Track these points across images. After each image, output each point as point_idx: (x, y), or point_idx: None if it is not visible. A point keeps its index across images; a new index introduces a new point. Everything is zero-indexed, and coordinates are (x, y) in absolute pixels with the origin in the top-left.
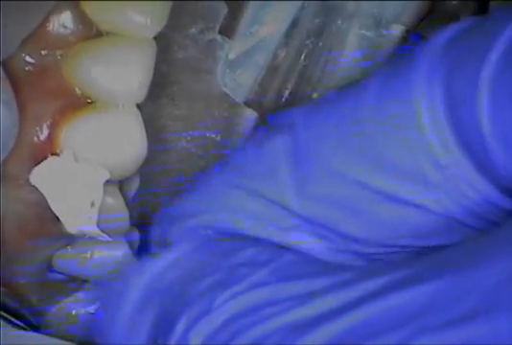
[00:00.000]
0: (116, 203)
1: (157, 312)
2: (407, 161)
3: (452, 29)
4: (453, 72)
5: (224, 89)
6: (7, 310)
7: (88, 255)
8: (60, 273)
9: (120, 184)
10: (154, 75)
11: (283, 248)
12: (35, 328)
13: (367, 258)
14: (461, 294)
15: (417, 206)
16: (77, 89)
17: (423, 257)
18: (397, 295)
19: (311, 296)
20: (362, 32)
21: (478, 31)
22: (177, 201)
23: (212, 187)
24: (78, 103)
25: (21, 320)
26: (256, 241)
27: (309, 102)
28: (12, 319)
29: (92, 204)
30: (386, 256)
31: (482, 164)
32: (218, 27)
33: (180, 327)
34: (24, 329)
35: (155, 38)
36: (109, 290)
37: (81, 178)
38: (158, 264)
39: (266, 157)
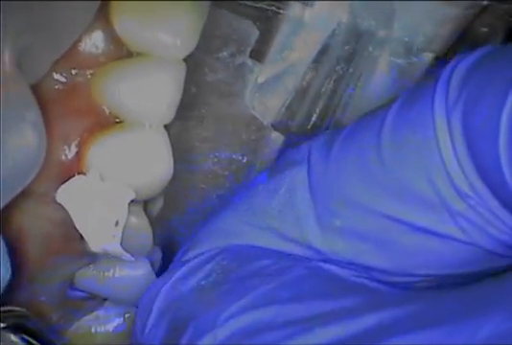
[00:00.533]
0: (140, 223)
1: (171, 319)
2: (430, 190)
3: (473, 56)
4: (473, 104)
5: (253, 112)
6: (26, 331)
7: (110, 274)
8: (81, 291)
9: (144, 204)
10: (183, 96)
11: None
12: None
13: (392, 286)
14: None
15: (441, 235)
16: (105, 109)
17: (432, 294)
18: (397, 337)
19: (313, 323)
20: (393, 59)
21: (499, 60)
22: (193, 234)
23: (224, 223)
24: (106, 122)
25: (40, 340)
26: (277, 252)
27: (324, 134)
28: (31, 340)
29: (116, 223)
30: (410, 285)
31: (503, 194)
32: (248, 51)
33: (186, 339)
34: None
35: (185, 60)
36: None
37: (106, 197)
38: (176, 273)
39: (281, 191)
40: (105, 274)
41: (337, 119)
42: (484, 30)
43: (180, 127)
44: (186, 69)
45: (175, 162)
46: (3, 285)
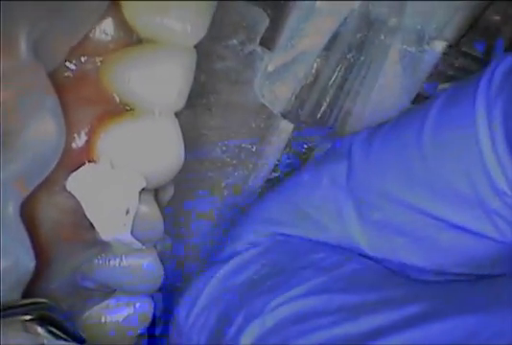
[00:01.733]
0: (151, 211)
1: (221, 309)
2: (467, 187)
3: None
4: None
5: (262, 100)
6: (52, 323)
7: (116, 263)
8: (91, 280)
9: (155, 192)
10: (193, 84)
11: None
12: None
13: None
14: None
15: (476, 233)
16: (115, 96)
17: (465, 284)
18: (436, 324)
19: (360, 311)
20: (404, 47)
21: None
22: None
23: (268, 213)
24: (116, 110)
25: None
26: (329, 245)
27: (366, 129)
28: (56, 331)
29: (127, 212)
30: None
31: None
32: (258, 38)
33: (234, 326)
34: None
35: (195, 48)
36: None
37: (116, 186)
38: (225, 268)
39: (323, 183)
40: (112, 263)
41: (348, 108)
42: (497, 17)
43: (189, 115)
44: (196, 56)
45: (184, 150)
46: (27, 274)
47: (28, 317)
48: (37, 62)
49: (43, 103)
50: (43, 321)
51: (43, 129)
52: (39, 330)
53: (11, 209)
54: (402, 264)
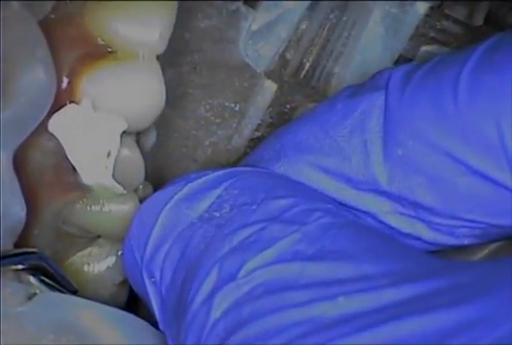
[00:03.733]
0: (132, 155)
1: (183, 247)
2: (495, 135)
3: None
4: None
5: (246, 59)
6: (44, 273)
7: (98, 208)
8: (74, 225)
9: (137, 138)
10: (177, 42)
11: (321, 198)
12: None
13: (434, 228)
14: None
15: (496, 182)
16: (98, 38)
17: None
18: (432, 313)
19: (336, 290)
20: (387, 7)
21: None
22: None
23: (295, 136)
24: (99, 52)
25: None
26: (302, 190)
27: (406, 65)
28: (49, 281)
29: (108, 154)
30: (453, 229)
31: None
32: None
33: (208, 285)
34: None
35: (179, 5)
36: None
37: (98, 128)
38: (180, 192)
39: (356, 113)
40: (93, 208)
41: (330, 68)
42: None
43: (174, 74)
44: (177, 8)
45: (169, 107)
46: (20, 224)
47: (20, 267)
48: (28, 12)
49: (34, 53)
50: (36, 271)
51: (34, 78)
52: (32, 279)
53: (5, 158)
54: (415, 203)
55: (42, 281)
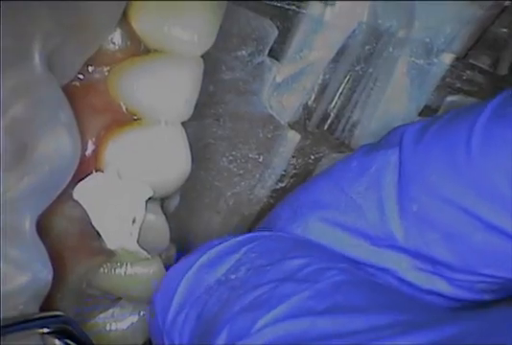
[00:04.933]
0: (157, 220)
1: (199, 312)
2: (509, 190)
3: None
4: None
5: (270, 111)
6: (70, 336)
7: (122, 272)
8: (97, 288)
9: (161, 201)
10: (201, 94)
11: (337, 258)
12: None
13: (453, 283)
14: None
15: (511, 237)
16: (122, 105)
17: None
18: None
19: (348, 341)
20: (413, 59)
21: None
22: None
23: (311, 193)
24: (123, 119)
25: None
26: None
27: (420, 120)
28: (70, 342)
29: (134, 221)
30: (472, 284)
31: None
32: (267, 50)
33: (220, 342)
34: None
35: (204, 58)
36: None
37: (123, 195)
38: (200, 261)
39: (371, 170)
40: (117, 271)
41: (355, 119)
42: (504, 30)
43: (197, 126)
44: (204, 66)
45: (192, 161)
46: (46, 287)
47: (46, 330)
48: (51, 76)
49: (58, 117)
50: (61, 334)
51: (58, 143)
52: (57, 343)
53: (28, 223)
54: (433, 259)
55: (67, 344)
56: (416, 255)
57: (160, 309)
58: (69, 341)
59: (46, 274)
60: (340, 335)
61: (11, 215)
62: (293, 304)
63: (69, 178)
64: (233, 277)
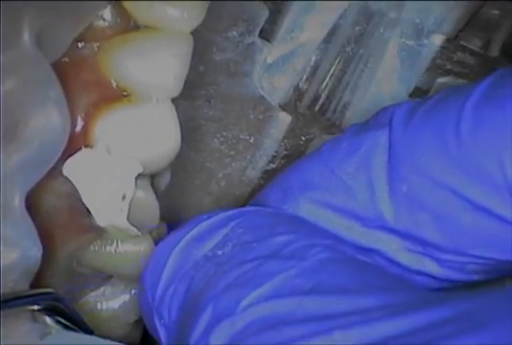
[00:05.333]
0: (147, 197)
1: (186, 288)
2: (497, 170)
3: None
4: None
5: (261, 92)
6: (60, 313)
7: (112, 249)
8: (87, 266)
9: (151, 178)
10: (191, 75)
11: (322, 234)
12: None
13: (443, 264)
14: None
15: (500, 218)
16: (112, 82)
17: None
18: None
19: (333, 324)
20: (403, 40)
21: None
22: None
23: (301, 174)
24: (113, 95)
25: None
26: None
27: (409, 101)
28: (65, 321)
29: (123, 197)
30: (462, 265)
31: None
32: (258, 30)
33: (202, 323)
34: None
35: (194, 38)
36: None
37: (113, 171)
38: (189, 236)
39: (361, 151)
40: (107, 249)
41: (346, 100)
42: (495, 12)
43: (188, 107)
44: (194, 46)
45: (182, 141)
46: (36, 265)
47: (36, 307)
48: (41, 54)
49: (47, 94)
50: (51, 311)
51: (48, 119)
52: (48, 320)
53: (18, 200)
54: (422, 240)
55: (58, 321)
56: (406, 236)
57: (150, 285)
58: (60, 318)
59: (36, 251)
60: (325, 317)
61: (0, 191)
62: (279, 282)
63: (59, 154)
64: (219, 253)
